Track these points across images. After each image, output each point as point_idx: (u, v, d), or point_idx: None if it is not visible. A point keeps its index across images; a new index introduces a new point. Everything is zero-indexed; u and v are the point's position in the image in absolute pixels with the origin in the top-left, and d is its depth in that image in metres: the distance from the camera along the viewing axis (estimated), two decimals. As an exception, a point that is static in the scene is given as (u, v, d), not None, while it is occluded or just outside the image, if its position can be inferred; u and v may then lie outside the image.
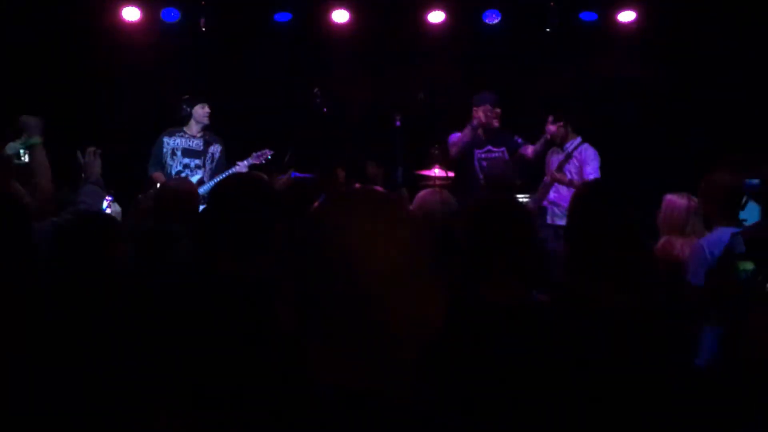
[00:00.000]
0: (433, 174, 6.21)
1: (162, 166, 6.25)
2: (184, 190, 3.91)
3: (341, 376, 1.03)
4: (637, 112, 7.33)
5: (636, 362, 2.35)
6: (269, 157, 6.20)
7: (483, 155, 6.10)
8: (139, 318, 2.41)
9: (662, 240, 3.88)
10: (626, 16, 7.56)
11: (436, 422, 1.08)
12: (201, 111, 6.27)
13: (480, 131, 6.09)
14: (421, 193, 4.34)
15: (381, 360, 1.04)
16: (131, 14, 7.43)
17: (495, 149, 6.11)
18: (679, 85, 7.21)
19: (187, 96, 6.35)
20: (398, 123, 6.38)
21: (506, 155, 6.03)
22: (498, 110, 6.07)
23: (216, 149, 6.36)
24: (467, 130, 6.06)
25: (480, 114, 6.02)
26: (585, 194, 2.65)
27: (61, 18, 7.18)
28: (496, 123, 6.03)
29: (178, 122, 6.39)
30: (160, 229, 3.65)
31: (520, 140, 6.14)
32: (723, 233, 3.49)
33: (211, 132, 6.39)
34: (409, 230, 1.07)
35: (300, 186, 5.88)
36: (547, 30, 7.72)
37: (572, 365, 2.07)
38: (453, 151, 6.12)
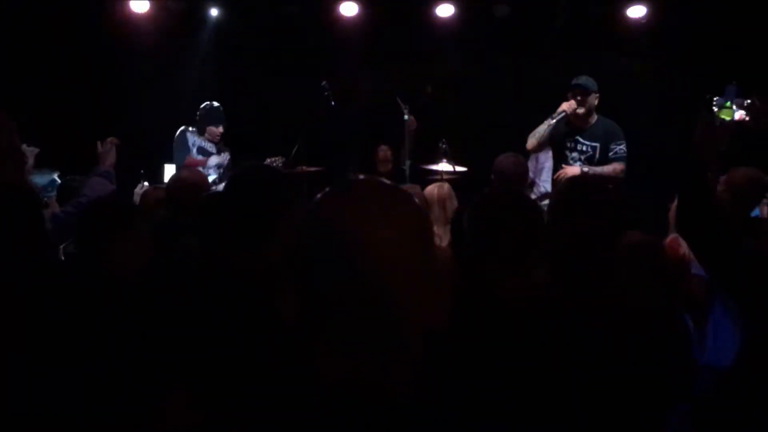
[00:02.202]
0: (440, 168, 6.20)
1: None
2: (195, 181, 3.93)
3: (344, 370, 1.02)
4: (648, 108, 7.30)
5: (636, 361, 2.34)
6: (280, 164, 6.18)
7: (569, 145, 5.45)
8: (145, 310, 2.41)
9: (670, 237, 3.85)
10: (636, 12, 7.53)
11: (441, 418, 1.06)
12: (214, 130, 6.28)
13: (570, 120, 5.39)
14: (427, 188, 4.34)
15: (384, 355, 1.03)
16: (140, 6, 7.43)
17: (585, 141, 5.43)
18: (689, 81, 7.17)
19: (207, 105, 6.31)
20: (406, 117, 6.37)
21: (598, 152, 5.34)
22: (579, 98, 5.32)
23: (225, 158, 6.37)
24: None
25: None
26: (563, 192, 2.63)
27: (70, 11, 7.20)
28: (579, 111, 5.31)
29: (183, 119, 6.39)
30: (171, 220, 3.66)
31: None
32: None
33: (222, 141, 6.40)
34: (415, 222, 1.05)
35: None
36: (557, 25, 7.70)
37: (580, 362, 2.06)
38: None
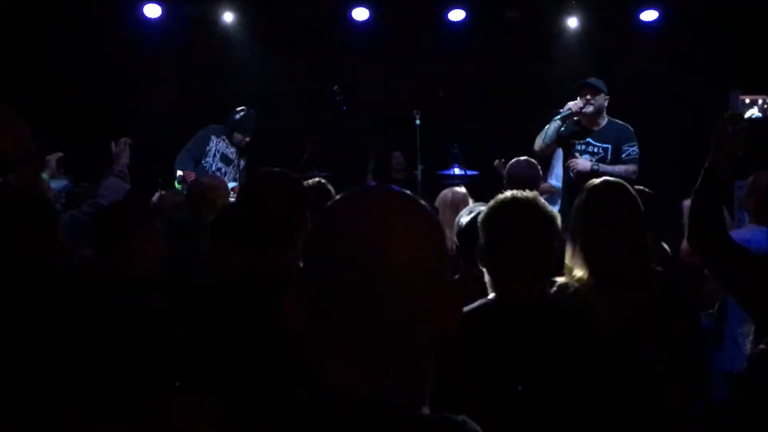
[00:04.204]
0: (452, 173, 6.21)
1: (197, 161, 6.20)
2: (215, 186, 3.98)
3: (354, 378, 1.01)
4: (659, 112, 7.28)
5: (647, 362, 2.34)
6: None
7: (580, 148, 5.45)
8: (157, 312, 2.42)
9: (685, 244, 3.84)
10: (649, 15, 7.50)
11: (449, 423, 1.06)
12: (239, 137, 6.23)
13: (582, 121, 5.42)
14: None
15: (396, 362, 1.02)
16: (152, 11, 7.47)
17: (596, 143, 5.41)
18: (701, 85, 7.14)
19: (243, 111, 6.27)
20: (418, 121, 6.37)
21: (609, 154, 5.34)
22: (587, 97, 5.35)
23: (243, 162, 6.38)
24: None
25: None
26: (589, 195, 2.63)
27: (82, 17, 7.25)
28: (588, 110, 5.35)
29: (194, 123, 6.37)
30: (191, 223, 3.67)
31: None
32: (753, 231, 3.47)
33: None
34: (428, 230, 1.05)
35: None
36: (568, 28, 7.70)
37: (590, 362, 2.05)
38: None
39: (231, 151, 6.31)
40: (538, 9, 7.69)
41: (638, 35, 7.58)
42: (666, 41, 7.43)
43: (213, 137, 6.28)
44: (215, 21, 7.80)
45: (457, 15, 7.66)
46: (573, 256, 2.51)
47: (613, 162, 5.34)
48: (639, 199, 2.61)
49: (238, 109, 6.29)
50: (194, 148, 6.24)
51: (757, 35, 6.85)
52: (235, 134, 6.24)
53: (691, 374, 2.57)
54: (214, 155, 6.26)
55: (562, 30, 7.71)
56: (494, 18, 7.72)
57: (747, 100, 4.25)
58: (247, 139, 6.26)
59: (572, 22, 7.68)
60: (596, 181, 2.70)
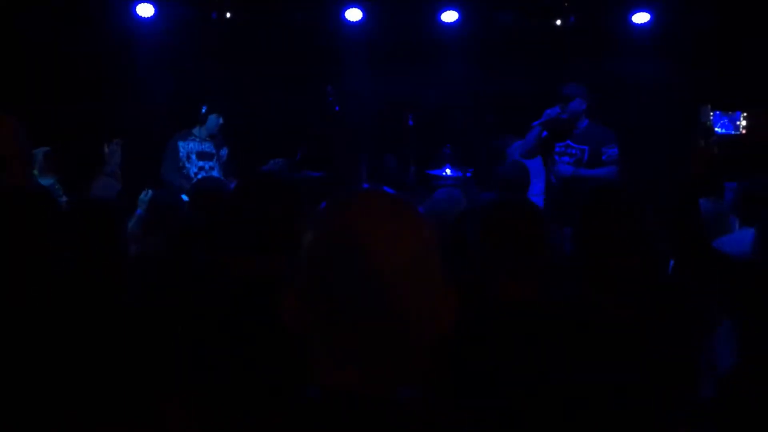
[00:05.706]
0: (444, 174, 6.22)
1: (178, 169, 6.21)
2: (217, 188, 3.99)
3: (349, 380, 1.02)
4: (651, 114, 7.31)
5: (642, 365, 2.35)
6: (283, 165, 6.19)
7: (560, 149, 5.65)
8: (151, 312, 2.42)
9: None
10: (641, 18, 7.53)
11: (446, 426, 1.06)
12: (215, 121, 6.25)
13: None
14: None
15: (391, 364, 1.03)
16: (145, 10, 7.45)
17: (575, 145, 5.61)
18: (693, 88, 7.18)
19: (208, 99, 6.30)
20: (411, 122, 6.39)
21: (586, 156, 5.51)
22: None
23: (224, 152, 6.37)
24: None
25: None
26: (593, 199, 2.64)
27: (75, 15, 7.23)
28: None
29: (188, 123, 6.37)
30: (191, 224, 3.68)
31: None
32: (745, 234, 3.49)
33: (218, 136, 6.39)
34: (419, 230, 1.06)
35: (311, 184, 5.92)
36: (561, 30, 7.72)
37: (585, 366, 2.06)
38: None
39: (207, 145, 6.30)
40: (531, 11, 7.72)
41: (629, 37, 7.60)
42: (658, 43, 7.45)
43: (180, 143, 6.25)
44: (208, 21, 7.79)
45: (450, 16, 7.67)
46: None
47: (591, 164, 5.48)
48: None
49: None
50: (171, 164, 6.22)
51: (749, 38, 6.89)
52: (209, 118, 6.23)
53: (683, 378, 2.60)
54: (189, 157, 6.25)
55: (554, 31, 7.74)
56: (487, 19, 7.74)
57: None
58: (221, 121, 6.24)
59: (565, 23, 7.71)
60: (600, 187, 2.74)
